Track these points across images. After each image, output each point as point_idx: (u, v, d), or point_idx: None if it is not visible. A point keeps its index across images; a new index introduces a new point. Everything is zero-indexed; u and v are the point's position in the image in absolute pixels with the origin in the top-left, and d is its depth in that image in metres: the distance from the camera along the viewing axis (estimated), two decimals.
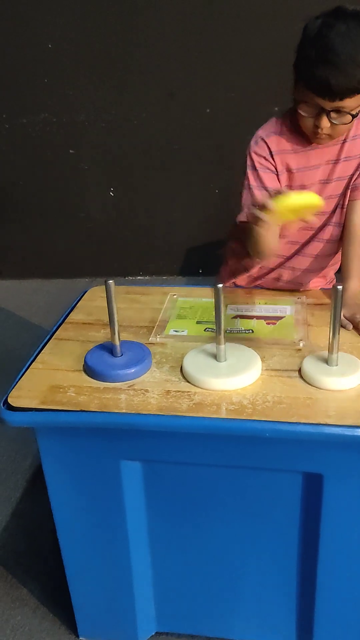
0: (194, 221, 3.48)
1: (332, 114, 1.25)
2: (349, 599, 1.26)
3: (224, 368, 1.17)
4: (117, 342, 1.21)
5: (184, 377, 1.18)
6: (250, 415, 1.07)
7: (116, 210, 3.55)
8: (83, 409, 1.11)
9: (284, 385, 1.15)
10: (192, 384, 1.16)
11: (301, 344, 1.28)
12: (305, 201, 1.14)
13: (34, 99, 3.27)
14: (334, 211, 1.49)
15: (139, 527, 1.27)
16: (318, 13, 1.25)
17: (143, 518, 1.27)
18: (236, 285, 1.69)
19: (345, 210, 1.48)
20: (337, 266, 1.61)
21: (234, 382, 1.14)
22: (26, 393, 1.16)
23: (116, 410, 1.10)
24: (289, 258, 1.57)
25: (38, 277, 3.68)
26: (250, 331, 1.35)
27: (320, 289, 1.60)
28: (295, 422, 1.05)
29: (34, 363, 1.27)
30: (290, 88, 1.32)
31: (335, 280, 1.68)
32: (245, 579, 1.31)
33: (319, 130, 1.29)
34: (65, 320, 1.46)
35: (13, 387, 1.18)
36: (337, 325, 1.11)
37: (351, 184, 1.44)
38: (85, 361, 1.22)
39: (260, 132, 1.44)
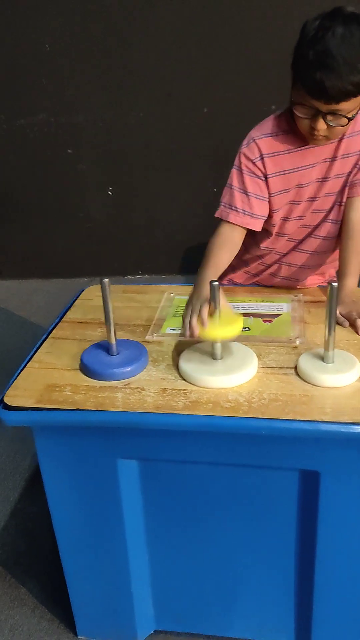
0: (193, 220, 3.48)
1: (328, 116, 1.25)
2: (347, 596, 1.26)
3: (220, 366, 1.17)
4: (113, 341, 1.21)
5: (180, 375, 1.18)
6: (246, 413, 1.06)
7: (115, 210, 3.55)
8: (79, 407, 1.11)
9: (280, 383, 1.14)
10: (189, 382, 1.16)
11: (298, 342, 1.28)
12: (227, 334, 1.18)
13: (32, 99, 3.28)
14: (331, 208, 1.48)
15: (136, 526, 1.27)
16: (316, 12, 1.24)
17: (140, 516, 1.27)
18: (234, 283, 1.69)
19: (342, 207, 1.48)
20: (337, 264, 1.61)
21: (230, 379, 1.14)
22: (22, 392, 1.16)
23: (112, 409, 1.10)
24: (285, 254, 1.57)
25: (38, 277, 3.69)
26: (247, 329, 1.35)
27: (317, 286, 1.60)
28: (292, 420, 1.05)
29: (30, 362, 1.27)
30: (288, 88, 1.32)
31: (335, 277, 1.68)
32: (243, 577, 1.31)
33: (315, 132, 1.29)
34: (62, 319, 1.46)
35: (9, 387, 1.18)
36: (332, 322, 1.11)
37: (349, 181, 1.44)
38: (81, 360, 1.22)
39: (253, 133, 1.43)
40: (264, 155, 1.40)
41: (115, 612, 1.40)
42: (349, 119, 1.25)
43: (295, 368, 1.18)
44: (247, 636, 1.41)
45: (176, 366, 1.21)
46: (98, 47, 3.15)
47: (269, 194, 1.43)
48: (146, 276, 3.69)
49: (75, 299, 1.57)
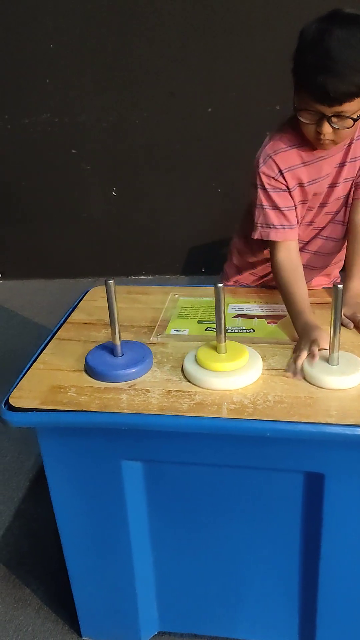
0: (196, 220, 3.48)
1: (333, 119, 1.24)
2: (351, 598, 1.26)
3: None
4: (118, 342, 1.21)
5: (185, 376, 1.18)
6: (251, 415, 1.06)
7: (118, 210, 3.55)
8: (84, 409, 1.11)
9: (285, 385, 1.14)
10: (193, 384, 1.16)
11: None
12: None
13: (35, 99, 3.28)
14: (338, 211, 1.48)
15: (140, 527, 1.27)
16: (319, 12, 1.24)
17: (145, 518, 1.27)
18: (240, 284, 1.69)
19: (348, 209, 1.47)
20: (341, 264, 1.61)
21: (234, 381, 1.14)
22: (27, 393, 1.16)
23: (117, 411, 1.10)
24: None
25: (41, 277, 3.69)
26: (252, 330, 1.35)
27: (322, 287, 1.60)
28: (296, 422, 1.05)
29: (35, 363, 1.27)
30: (292, 88, 1.31)
31: (340, 279, 1.67)
32: (247, 579, 1.31)
33: (322, 137, 1.28)
34: (67, 321, 1.46)
35: (14, 388, 1.18)
36: (337, 324, 1.10)
37: (355, 183, 1.44)
38: (86, 361, 1.22)
39: (269, 150, 1.40)
40: (283, 171, 1.39)
41: (119, 613, 1.40)
42: (355, 120, 1.25)
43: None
44: (251, 638, 1.41)
45: (181, 368, 1.21)
46: (102, 47, 3.15)
47: (294, 204, 1.43)
48: (150, 277, 3.69)
49: (80, 300, 1.57)
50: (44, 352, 1.32)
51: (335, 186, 1.43)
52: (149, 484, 1.22)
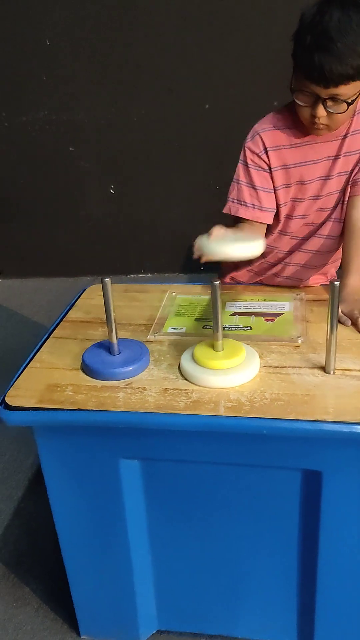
0: (195, 218, 3.46)
1: (328, 102, 1.25)
2: (350, 595, 1.26)
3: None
4: (115, 340, 1.21)
5: (182, 374, 1.18)
6: (248, 413, 1.06)
7: (117, 208, 3.54)
8: (81, 407, 1.11)
9: (282, 382, 1.14)
10: (190, 382, 1.16)
11: (299, 341, 1.27)
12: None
13: (33, 97, 3.27)
14: (334, 207, 1.48)
15: (138, 525, 1.27)
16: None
17: (143, 516, 1.27)
18: (236, 281, 1.69)
19: (345, 206, 1.47)
20: (338, 263, 1.61)
21: (232, 379, 1.13)
22: (24, 392, 1.16)
23: (114, 409, 1.10)
24: (289, 253, 1.57)
25: (39, 275, 3.68)
26: (249, 328, 1.35)
27: (321, 285, 1.59)
28: (294, 419, 1.04)
29: (31, 362, 1.27)
30: (288, 84, 1.31)
31: (337, 277, 1.67)
32: (245, 577, 1.31)
33: (316, 120, 1.28)
34: (63, 319, 1.45)
35: (11, 386, 1.18)
36: (334, 321, 1.10)
37: (351, 179, 1.43)
38: (82, 360, 1.22)
39: (257, 127, 1.43)
40: (268, 149, 1.41)
41: (118, 611, 1.40)
42: (349, 104, 1.25)
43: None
44: (250, 636, 1.41)
45: (178, 366, 1.20)
46: (99, 43, 3.14)
47: (274, 187, 1.43)
48: (148, 275, 3.68)
49: (77, 299, 1.56)
50: (40, 350, 1.31)
51: (328, 179, 1.43)
52: (146, 482, 1.22)
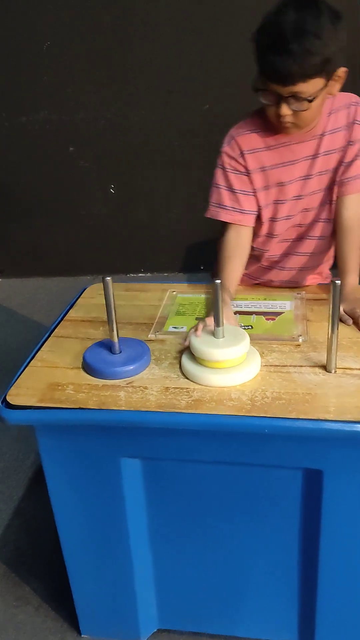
0: (195, 217, 3.44)
1: (291, 100, 1.26)
2: (351, 594, 1.26)
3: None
4: (116, 339, 1.21)
5: (183, 373, 1.18)
6: (249, 412, 1.06)
7: (117, 208, 3.54)
8: (82, 406, 1.11)
9: (283, 381, 1.14)
10: (191, 381, 1.16)
11: (300, 340, 1.28)
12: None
13: (33, 97, 3.27)
14: (321, 207, 1.47)
15: (139, 525, 1.27)
16: None
17: (143, 515, 1.27)
18: None
19: (333, 206, 1.47)
20: (332, 262, 1.60)
21: (233, 378, 1.13)
22: (25, 391, 1.16)
23: (115, 408, 1.10)
24: (283, 257, 1.56)
25: (40, 275, 3.68)
26: (250, 327, 1.35)
27: (320, 284, 1.59)
28: (295, 418, 1.04)
29: (32, 361, 1.27)
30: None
31: (331, 276, 1.67)
32: (246, 576, 1.31)
33: (282, 119, 1.29)
34: (64, 318, 1.46)
35: (12, 385, 1.18)
36: (335, 320, 1.10)
37: (337, 179, 1.43)
38: (83, 359, 1.22)
39: (233, 131, 1.45)
40: (244, 152, 1.42)
41: (119, 610, 1.40)
42: (309, 101, 1.25)
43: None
44: (250, 635, 1.41)
45: (179, 365, 1.20)
46: (99, 44, 3.14)
47: (253, 189, 1.44)
48: (148, 274, 3.68)
49: (78, 298, 1.57)
50: (41, 349, 1.31)
51: (308, 178, 1.43)
52: (147, 481, 1.22)
